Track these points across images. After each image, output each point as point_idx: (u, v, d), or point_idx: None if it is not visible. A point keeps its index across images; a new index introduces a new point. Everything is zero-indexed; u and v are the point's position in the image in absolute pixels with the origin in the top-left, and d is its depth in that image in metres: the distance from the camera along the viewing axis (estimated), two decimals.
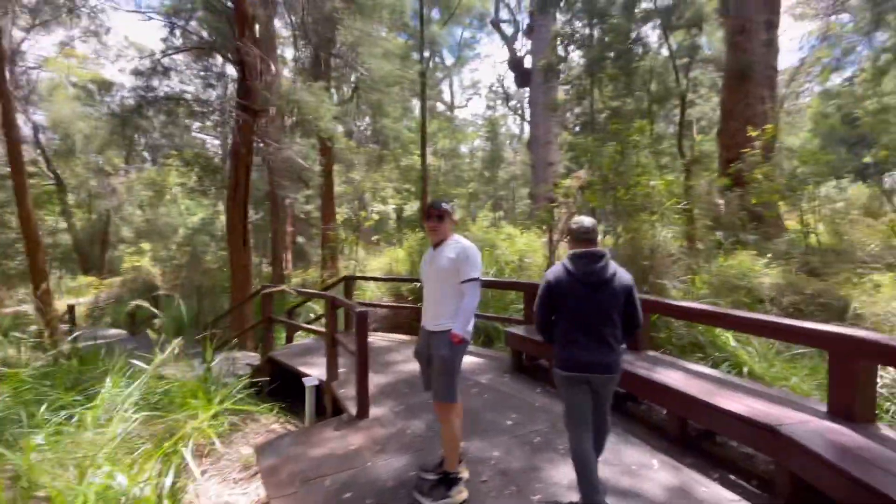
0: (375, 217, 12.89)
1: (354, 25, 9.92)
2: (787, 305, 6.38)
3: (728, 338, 4.34)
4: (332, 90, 13.30)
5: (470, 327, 2.47)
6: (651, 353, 3.69)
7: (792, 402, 2.64)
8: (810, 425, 2.33)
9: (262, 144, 8.95)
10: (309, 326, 4.62)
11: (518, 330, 4.51)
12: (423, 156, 8.36)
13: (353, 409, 3.48)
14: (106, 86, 15.13)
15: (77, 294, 16.94)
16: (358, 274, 9.17)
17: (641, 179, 4.37)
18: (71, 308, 8.08)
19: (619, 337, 2.25)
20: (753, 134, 7.82)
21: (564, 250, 9.04)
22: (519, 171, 26.30)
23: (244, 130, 8.07)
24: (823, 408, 2.56)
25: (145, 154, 19.52)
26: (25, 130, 22.13)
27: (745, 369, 3.99)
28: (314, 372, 4.60)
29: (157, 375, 4.35)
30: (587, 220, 2.35)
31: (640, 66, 13.64)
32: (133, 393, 3.83)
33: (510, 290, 6.23)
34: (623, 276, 2.27)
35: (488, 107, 29.62)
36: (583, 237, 2.28)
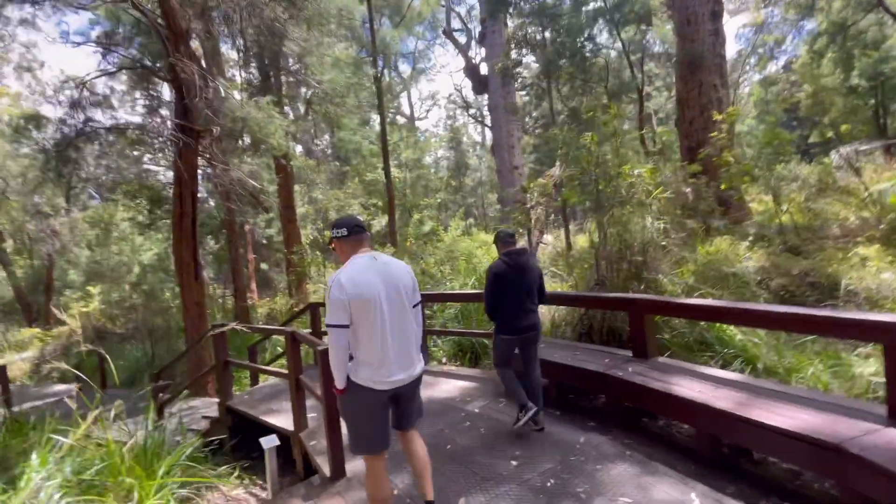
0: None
1: (301, 37, 9.39)
2: (777, 288, 6.19)
3: (734, 332, 4.01)
4: (287, 108, 12.64)
5: (345, 376, 2.08)
6: (661, 359, 3.28)
7: (841, 408, 2.26)
8: (877, 437, 1.94)
9: (209, 168, 8.24)
10: (268, 369, 3.98)
11: None
12: (385, 165, 7.86)
13: (325, 467, 2.90)
14: (37, 121, 13.92)
15: (20, 348, 15.39)
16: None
17: (625, 168, 4.01)
18: (2, 368, 7.05)
19: (537, 305, 3.21)
20: (718, 117, 7.74)
21: (548, 254, 8.70)
22: (486, 176, 26.19)
23: (185, 154, 7.36)
24: (879, 410, 2.18)
25: (90, 191, 18.24)
26: None
27: (760, 365, 3.65)
28: (280, 421, 3.97)
29: (96, 443, 3.64)
30: (508, 230, 3.44)
31: (596, 63, 13.69)
32: (60, 472, 3.11)
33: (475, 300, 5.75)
34: (535, 262, 3.31)
35: (448, 117, 29.51)
36: (511, 240, 3.25)
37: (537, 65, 16.14)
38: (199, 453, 3.82)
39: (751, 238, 7.06)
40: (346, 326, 1.99)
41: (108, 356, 7.66)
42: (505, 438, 3.13)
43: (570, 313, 4.69)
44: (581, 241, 11.85)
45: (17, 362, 13.01)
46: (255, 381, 6.45)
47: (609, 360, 3.31)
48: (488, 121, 25.32)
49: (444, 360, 5.66)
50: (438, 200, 19.58)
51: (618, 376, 2.97)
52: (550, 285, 6.93)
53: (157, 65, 10.10)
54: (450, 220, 16.11)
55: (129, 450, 3.52)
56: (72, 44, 12.96)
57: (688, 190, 8.44)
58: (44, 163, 10.53)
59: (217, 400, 6.61)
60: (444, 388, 4.32)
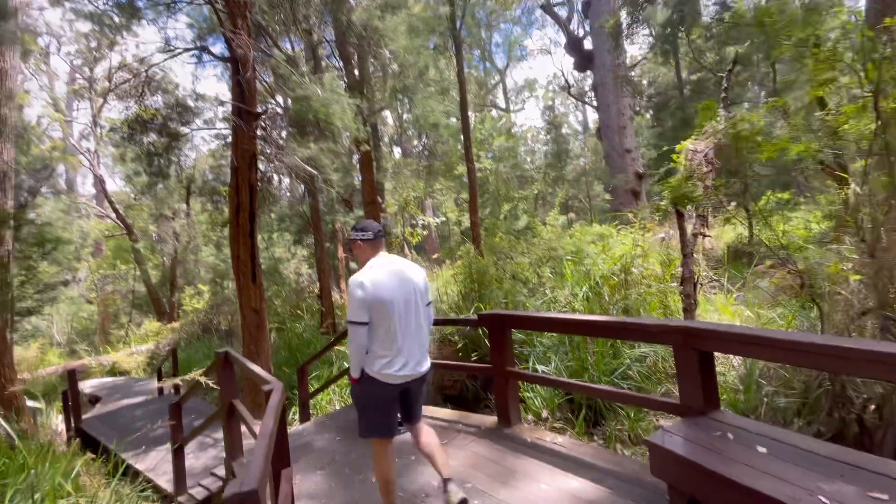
0: (421, 232, 10.89)
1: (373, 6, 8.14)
2: None
3: None
4: (378, 98, 11.59)
5: (360, 368, 2.29)
6: None
7: None
8: None
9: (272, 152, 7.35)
10: (249, 426, 2.57)
11: (674, 440, 2.04)
12: (466, 140, 6.16)
13: None
14: (142, 126, 14.90)
15: (143, 341, 16.82)
16: None
17: None
18: (71, 373, 6.86)
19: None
20: None
21: (704, 253, 6.27)
22: (589, 164, 23.24)
23: (240, 138, 6.45)
24: None
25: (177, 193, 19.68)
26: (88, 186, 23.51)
27: None
28: None
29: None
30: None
31: None
32: None
33: (617, 337, 3.62)
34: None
35: (547, 108, 26.76)
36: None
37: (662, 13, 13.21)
38: None
39: None
40: (366, 324, 2.21)
41: (177, 358, 7.01)
42: None
43: (789, 371, 2.50)
44: (726, 235, 8.93)
45: (133, 355, 13.96)
46: (306, 413, 5.22)
47: None
48: (594, 101, 22.33)
49: (543, 413, 3.76)
50: (535, 192, 17.40)
51: None
52: (727, 312, 4.56)
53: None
54: (547, 213, 13.94)
55: None
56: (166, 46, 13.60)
57: None
58: (147, 165, 10.89)
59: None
60: (535, 492, 2.43)
